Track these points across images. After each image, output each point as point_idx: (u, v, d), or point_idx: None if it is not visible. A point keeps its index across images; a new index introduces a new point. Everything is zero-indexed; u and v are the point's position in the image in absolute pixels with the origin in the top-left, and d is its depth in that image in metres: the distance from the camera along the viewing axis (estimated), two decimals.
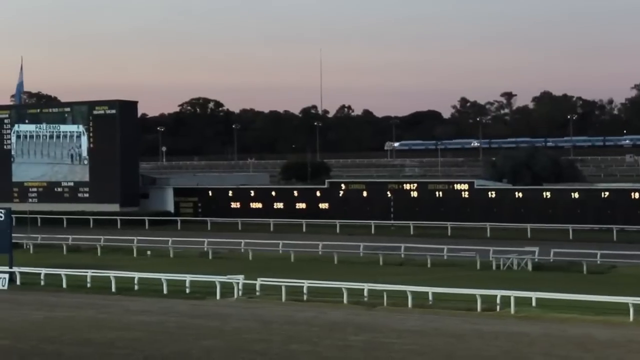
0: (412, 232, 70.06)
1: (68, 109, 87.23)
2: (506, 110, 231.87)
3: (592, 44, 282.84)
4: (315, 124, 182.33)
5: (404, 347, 29.50)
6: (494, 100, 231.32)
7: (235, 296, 41.52)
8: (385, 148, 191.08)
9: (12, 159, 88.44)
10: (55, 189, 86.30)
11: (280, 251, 58.54)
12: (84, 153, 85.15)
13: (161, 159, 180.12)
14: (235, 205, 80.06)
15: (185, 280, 43.54)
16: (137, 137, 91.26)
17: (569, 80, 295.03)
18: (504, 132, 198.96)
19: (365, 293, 39.28)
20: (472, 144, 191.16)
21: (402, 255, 55.16)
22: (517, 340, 30.37)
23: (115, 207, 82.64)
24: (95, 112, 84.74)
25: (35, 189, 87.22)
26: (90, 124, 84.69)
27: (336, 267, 52.94)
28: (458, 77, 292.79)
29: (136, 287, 44.22)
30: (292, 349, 29.67)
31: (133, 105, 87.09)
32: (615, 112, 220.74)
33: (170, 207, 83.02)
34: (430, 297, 37.95)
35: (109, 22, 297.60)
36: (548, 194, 70.32)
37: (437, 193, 73.52)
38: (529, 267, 50.57)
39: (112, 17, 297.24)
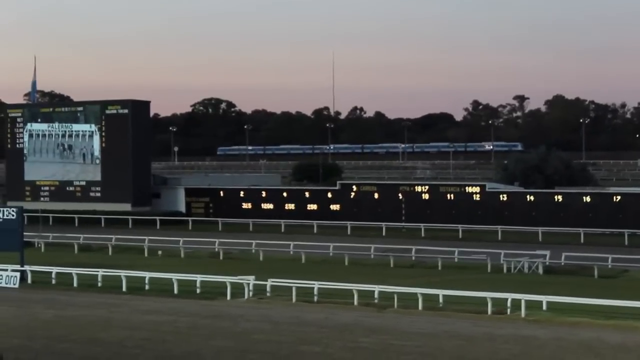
0: (423, 235, 69.99)
1: (80, 109, 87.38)
2: (518, 114, 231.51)
3: (605, 47, 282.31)
4: (328, 125, 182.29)
5: (414, 350, 29.47)
6: (506, 103, 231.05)
7: (246, 297, 41.54)
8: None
9: (24, 158, 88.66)
10: (67, 188, 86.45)
11: (291, 252, 58.54)
12: (96, 152, 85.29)
13: (173, 159, 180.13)
14: (246, 205, 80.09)
15: (196, 281, 43.57)
16: (149, 137, 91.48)
17: (581, 84, 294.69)
18: (515, 136, 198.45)
19: (376, 295, 39.25)
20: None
21: (413, 258, 55.16)
22: (528, 344, 30.31)
23: (126, 207, 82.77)
24: (107, 112, 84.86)
25: (47, 188, 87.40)
26: (103, 124, 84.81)
27: (347, 268, 52.91)
28: (471, 80, 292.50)
29: (147, 287, 44.28)
30: (302, 350, 29.66)
31: (145, 105, 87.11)
32: (628, 115, 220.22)
33: (182, 207, 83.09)
34: (441, 300, 37.92)
35: (123, 22, 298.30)
36: (559, 197, 70.13)
37: (448, 196, 73.38)
38: (540, 270, 50.45)
39: (125, 18, 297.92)
